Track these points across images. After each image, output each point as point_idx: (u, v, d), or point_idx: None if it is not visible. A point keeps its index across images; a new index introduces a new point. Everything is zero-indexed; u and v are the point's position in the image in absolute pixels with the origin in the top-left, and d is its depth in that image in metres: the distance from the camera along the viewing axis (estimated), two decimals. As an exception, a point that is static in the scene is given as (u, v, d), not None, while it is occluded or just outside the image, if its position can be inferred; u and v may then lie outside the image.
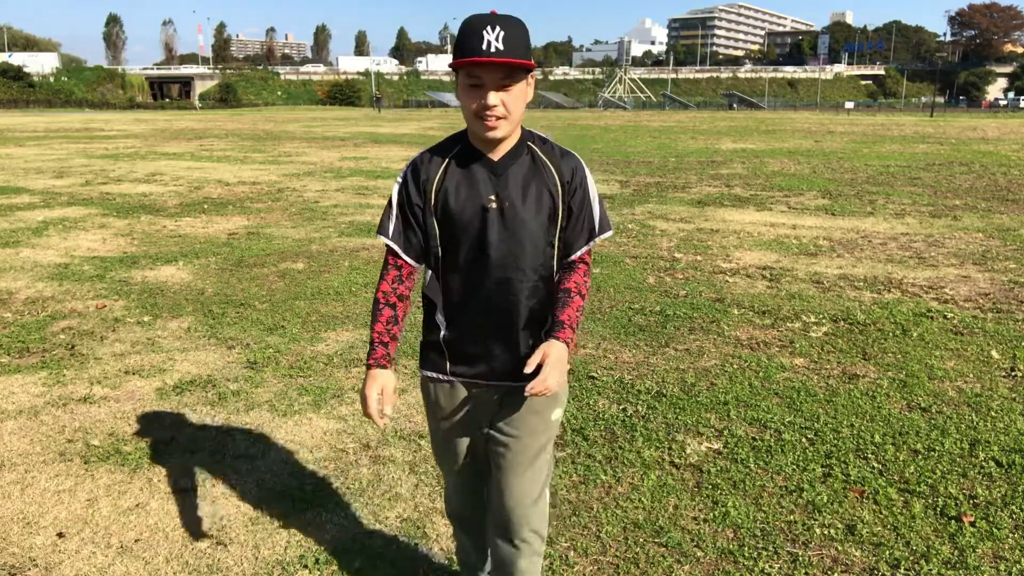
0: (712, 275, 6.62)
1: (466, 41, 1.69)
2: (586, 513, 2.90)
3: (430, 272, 1.94)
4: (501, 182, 1.83)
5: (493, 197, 1.83)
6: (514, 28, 1.70)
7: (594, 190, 1.94)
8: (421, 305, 2.00)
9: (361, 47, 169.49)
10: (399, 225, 1.89)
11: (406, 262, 1.91)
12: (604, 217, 1.97)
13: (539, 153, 1.88)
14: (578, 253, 1.93)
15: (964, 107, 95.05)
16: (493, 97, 1.71)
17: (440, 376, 1.99)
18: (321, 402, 3.93)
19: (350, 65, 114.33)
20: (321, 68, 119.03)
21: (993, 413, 3.79)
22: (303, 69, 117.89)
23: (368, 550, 2.67)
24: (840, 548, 2.68)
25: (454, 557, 2.56)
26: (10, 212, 10.19)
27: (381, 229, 1.92)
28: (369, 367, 1.88)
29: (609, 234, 1.98)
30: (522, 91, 1.76)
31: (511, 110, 1.74)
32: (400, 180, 1.91)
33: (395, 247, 1.90)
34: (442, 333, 1.95)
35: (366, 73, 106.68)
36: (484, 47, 1.66)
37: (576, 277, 1.93)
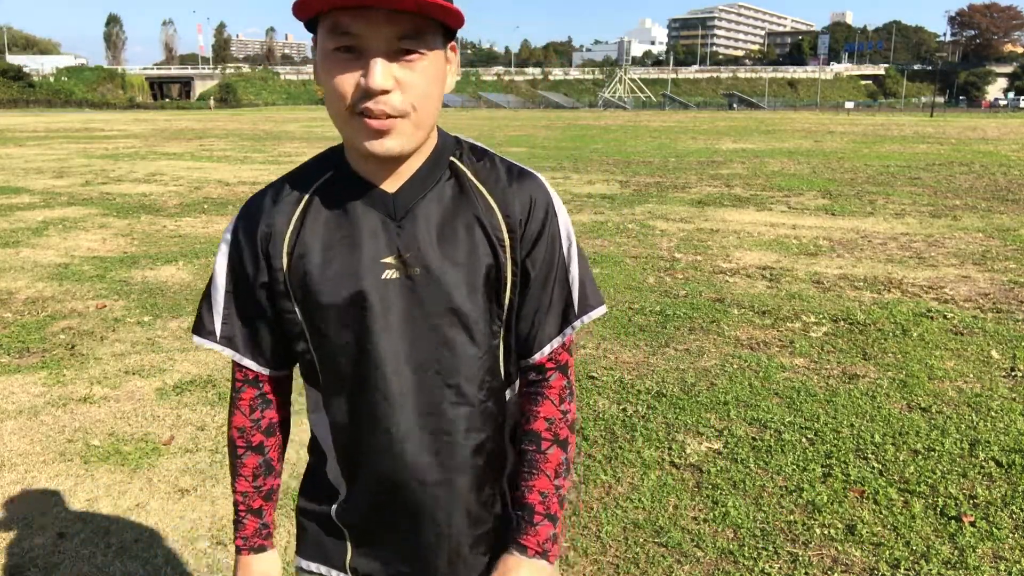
0: (712, 275, 6.62)
1: None
2: (586, 513, 2.90)
3: (312, 390, 1.19)
4: (404, 229, 1.07)
5: (391, 259, 1.07)
6: None
7: (570, 236, 1.16)
8: (308, 443, 1.26)
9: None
10: (233, 317, 1.17)
11: (260, 373, 1.21)
12: (588, 284, 1.17)
13: (469, 175, 1.11)
14: (545, 350, 1.15)
15: (964, 107, 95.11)
16: (383, 72, 0.95)
17: (331, 573, 1.23)
18: (321, 402, 3.93)
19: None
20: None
21: (993, 413, 3.79)
22: (306, 69, 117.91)
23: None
24: (840, 548, 2.68)
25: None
26: (10, 212, 10.19)
27: (198, 326, 1.19)
28: (239, 552, 1.24)
29: (599, 313, 1.18)
30: (436, 68, 1.01)
31: (417, 99, 0.99)
32: (225, 243, 1.14)
33: (231, 354, 1.19)
34: (335, 503, 1.20)
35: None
36: None
37: (546, 407, 1.17)
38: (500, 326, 1.13)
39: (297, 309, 1.11)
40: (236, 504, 1.27)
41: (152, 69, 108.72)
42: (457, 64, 1.09)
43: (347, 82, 0.97)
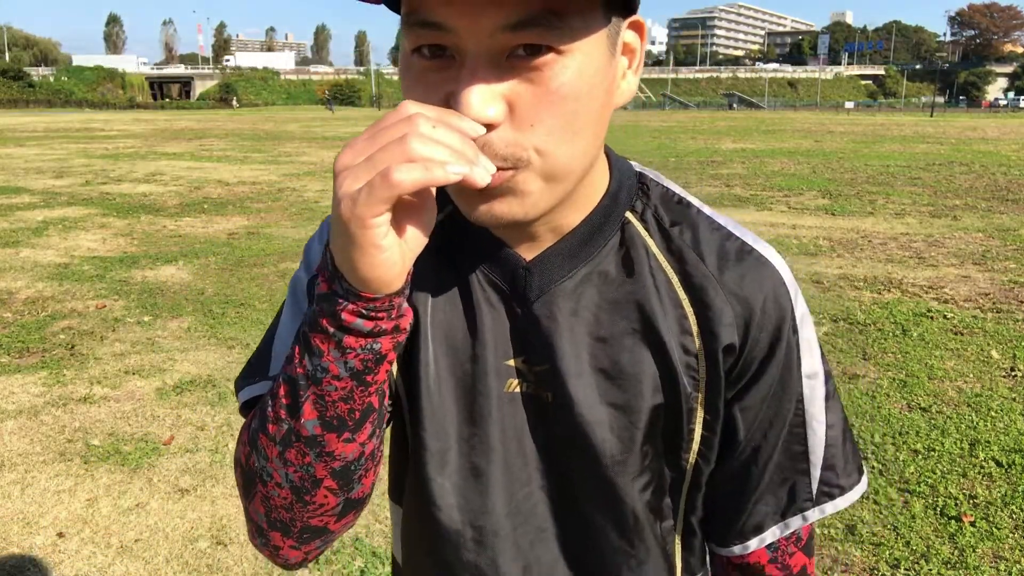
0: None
1: None
2: (586, 513, 2.90)
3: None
4: (538, 323, 0.70)
5: (513, 362, 0.71)
6: None
7: (817, 371, 0.73)
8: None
9: (361, 47, 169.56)
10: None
11: None
12: (840, 452, 0.75)
13: (652, 248, 0.71)
14: (751, 544, 0.75)
15: (964, 107, 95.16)
16: (481, 97, 0.55)
17: None
18: (321, 402, 3.93)
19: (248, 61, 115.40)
20: (322, 68, 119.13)
21: (993, 413, 3.79)
22: (305, 68, 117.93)
23: (368, 550, 2.67)
24: (840, 548, 2.68)
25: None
26: (10, 212, 10.19)
27: (247, 371, 0.75)
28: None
29: (853, 497, 0.76)
30: (594, 74, 0.59)
31: (543, 139, 0.58)
32: (314, 249, 0.75)
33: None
34: None
35: (367, 73, 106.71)
36: None
37: None
38: (676, 504, 0.75)
39: (400, 391, 0.75)
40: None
41: (152, 69, 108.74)
42: (640, 54, 0.65)
43: (430, 101, 0.57)
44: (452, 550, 0.74)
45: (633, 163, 0.75)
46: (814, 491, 0.74)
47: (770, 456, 0.72)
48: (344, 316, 0.56)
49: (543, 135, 0.58)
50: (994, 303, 5.75)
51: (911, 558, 2.62)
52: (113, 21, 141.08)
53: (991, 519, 2.84)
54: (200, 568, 2.59)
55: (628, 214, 0.71)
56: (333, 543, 0.67)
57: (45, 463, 3.30)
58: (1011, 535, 2.75)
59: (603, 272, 0.70)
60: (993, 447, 3.41)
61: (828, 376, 0.74)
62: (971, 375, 4.31)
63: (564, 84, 0.57)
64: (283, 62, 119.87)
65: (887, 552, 2.65)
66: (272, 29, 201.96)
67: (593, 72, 0.59)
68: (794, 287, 0.71)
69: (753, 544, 0.75)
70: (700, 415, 0.70)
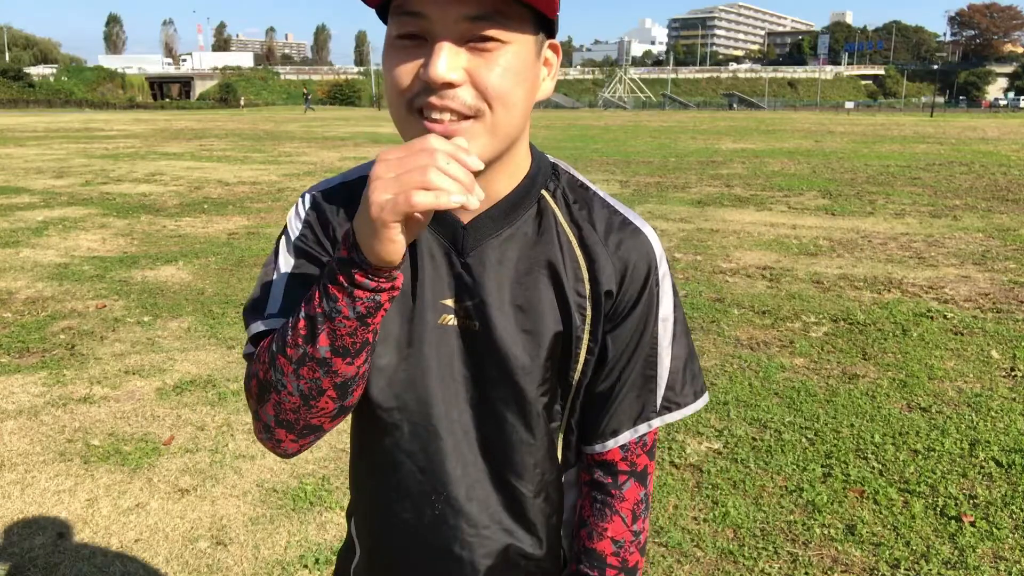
0: (712, 275, 6.62)
1: None
2: (586, 513, 2.90)
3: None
4: (471, 270, 0.91)
5: (450, 301, 0.91)
6: None
7: (672, 312, 0.97)
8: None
9: (361, 47, 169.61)
10: (295, 294, 0.91)
11: None
12: (684, 374, 0.99)
13: (559, 216, 0.94)
14: (609, 444, 0.98)
15: (964, 107, 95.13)
16: (448, 61, 0.77)
17: None
18: (321, 402, 3.93)
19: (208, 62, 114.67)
20: (325, 68, 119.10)
21: (993, 413, 3.79)
22: (305, 68, 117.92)
23: (368, 550, 2.67)
24: (840, 548, 2.68)
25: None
26: (10, 212, 10.19)
27: (261, 308, 0.93)
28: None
29: (692, 410, 1.00)
30: (523, 61, 0.82)
31: (492, 96, 0.80)
32: (297, 223, 0.95)
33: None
34: (356, 557, 1.07)
35: (367, 73, 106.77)
36: None
37: (615, 525, 0.99)
38: (564, 407, 0.97)
39: None
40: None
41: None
42: (556, 67, 0.89)
43: (406, 73, 0.80)
44: (392, 441, 0.95)
45: (548, 155, 0.98)
46: (658, 405, 0.98)
47: (629, 376, 0.96)
48: (357, 277, 0.77)
49: (492, 95, 0.80)
50: (994, 303, 5.75)
51: (911, 558, 2.62)
52: (113, 21, 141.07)
53: (991, 519, 2.84)
54: (200, 568, 2.59)
55: (543, 192, 0.94)
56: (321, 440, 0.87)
57: (45, 463, 3.30)
58: (1011, 535, 2.75)
59: (523, 233, 0.92)
60: (993, 447, 3.42)
61: (678, 320, 0.98)
62: (971, 375, 4.31)
63: (507, 63, 0.80)
64: (238, 61, 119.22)
65: (887, 552, 2.65)
66: (272, 29, 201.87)
67: (524, 61, 0.82)
68: (659, 251, 0.95)
69: (610, 444, 0.97)
70: (585, 342, 0.93)
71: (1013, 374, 4.32)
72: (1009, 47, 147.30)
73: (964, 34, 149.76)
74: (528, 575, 1.00)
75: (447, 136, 0.77)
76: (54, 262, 7.19)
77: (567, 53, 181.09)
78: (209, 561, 2.63)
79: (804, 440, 3.49)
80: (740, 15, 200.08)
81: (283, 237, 0.96)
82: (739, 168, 15.83)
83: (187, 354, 4.65)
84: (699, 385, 1.00)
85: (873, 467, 3.25)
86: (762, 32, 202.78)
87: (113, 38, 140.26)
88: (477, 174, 0.76)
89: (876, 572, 2.56)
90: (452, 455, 0.94)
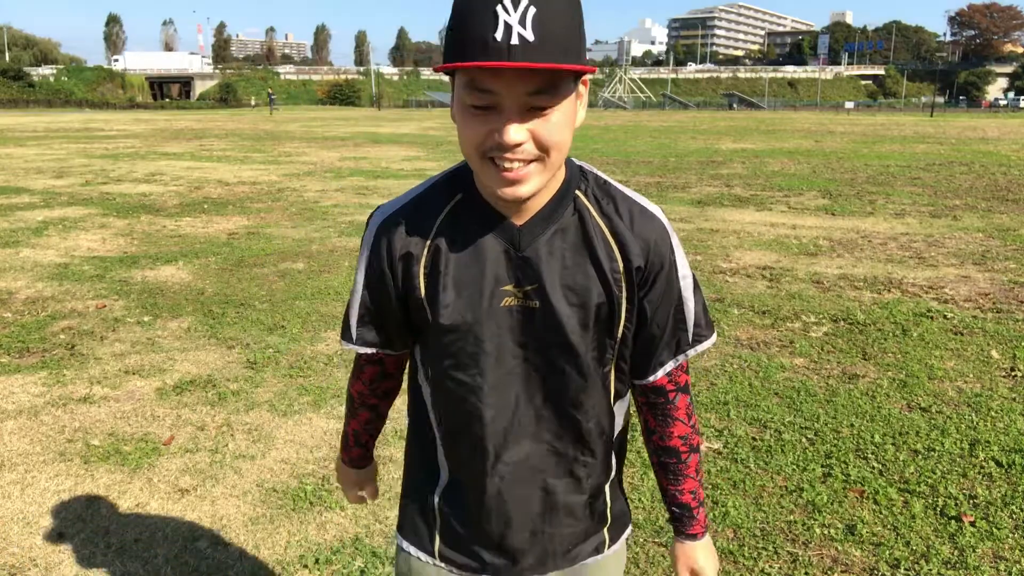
0: (712, 275, 6.62)
1: (467, 24, 0.97)
2: (586, 513, 2.90)
3: (424, 381, 1.27)
4: (527, 262, 1.14)
5: (511, 287, 1.14)
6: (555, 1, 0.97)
7: (687, 273, 1.23)
8: (408, 411, 1.36)
9: (361, 47, 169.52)
10: (368, 318, 1.24)
11: (387, 354, 1.30)
12: (702, 316, 1.26)
13: (592, 212, 1.16)
14: (658, 374, 1.25)
15: (964, 107, 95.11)
16: (516, 130, 1.00)
17: (423, 557, 1.31)
18: (321, 402, 3.93)
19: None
20: (320, 67, 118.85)
21: (993, 413, 3.79)
22: (305, 68, 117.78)
23: (368, 550, 2.67)
24: (840, 548, 2.68)
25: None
26: (10, 212, 10.19)
27: (347, 332, 1.27)
28: (343, 462, 1.52)
29: (711, 342, 1.27)
30: (568, 112, 1.04)
31: (549, 146, 1.03)
32: (366, 251, 1.21)
33: (367, 351, 1.28)
34: (437, 494, 1.29)
35: (366, 73, 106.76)
36: (499, 36, 0.94)
37: (678, 427, 1.28)
38: (612, 355, 1.22)
39: (430, 319, 1.18)
40: (347, 435, 1.47)
41: (152, 69, 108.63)
42: (586, 97, 1.11)
43: (480, 133, 1.02)
44: (475, 398, 1.19)
45: (574, 159, 1.19)
46: (690, 339, 1.24)
47: (666, 323, 1.21)
48: (345, 459, 1.51)
49: (549, 144, 1.03)
50: (994, 303, 5.75)
51: (911, 558, 2.62)
52: (113, 21, 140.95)
53: (991, 519, 2.84)
54: (200, 568, 2.59)
55: (577, 191, 1.17)
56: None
57: (45, 463, 3.30)
58: (1011, 535, 2.75)
59: (564, 228, 1.15)
60: (993, 447, 3.41)
61: (693, 276, 1.24)
62: (971, 375, 4.31)
63: (557, 119, 1.03)
64: (184, 63, 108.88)
65: (887, 552, 2.65)
66: (272, 29, 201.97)
67: (568, 113, 1.05)
68: (669, 227, 1.21)
69: (659, 374, 1.25)
70: (624, 306, 1.17)
71: (1013, 374, 4.32)
72: (1009, 47, 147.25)
73: (964, 34, 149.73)
74: (584, 478, 1.26)
75: (518, 179, 1.04)
76: (54, 262, 7.19)
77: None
78: (209, 561, 2.63)
79: (804, 440, 3.49)
80: (740, 15, 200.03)
81: (359, 262, 1.23)
82: (739, 168, 15.83)
83: (187, 354, 4.65)
84: (712, 325, 1.28)
85: (873, 467, 3.25)
86: (762, 32, 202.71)
87: (113, 38, 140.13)
88: (532, 195, 1.08)
89: (876, 572, 2.56)
90: (520, 404, 1.19)
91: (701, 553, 1.32)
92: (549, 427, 1.22)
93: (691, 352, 1.25)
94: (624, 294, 1.16)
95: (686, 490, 1.31)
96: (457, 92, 1.03)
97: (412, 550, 1.31)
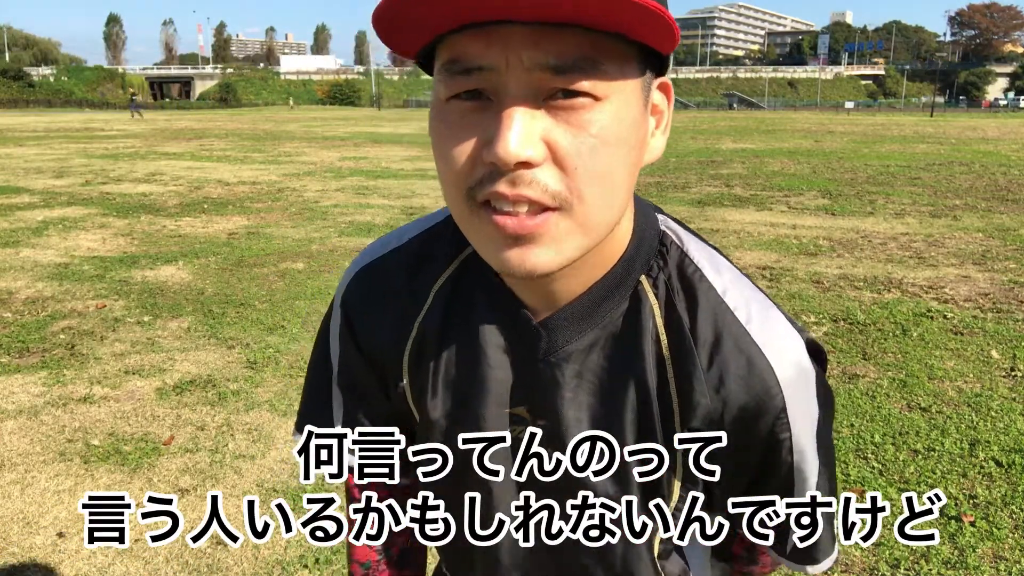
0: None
1: None
2: (586, 513, 2.90)
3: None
4: (544, 378, 0.73)
5: (521, 410, 0.75)
6: None
7: (810, 461, 0.75)
8: None
9: (361, 47, 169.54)
10: (344, 417, 0.86)
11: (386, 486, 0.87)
12: (823, 527, 0.79)
13: (656, 313, 0.71)
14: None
15: (964, 107, 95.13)
16: (520, 136, 0.55)
17: None
18: (321, 402, 3.93)
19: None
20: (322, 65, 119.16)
21: (993, 413, 3.79)
22: (305, 68, 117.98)
23: (368, 550, 2.67)
24: (840, 548, 2.68)
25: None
26: (10, 212, 10.19)
27: (300, 423, 0.90)
28: None
29: (821, 568, 0.82)
30: (630, 123, 0.59)
31: (582, 183, 0.58)
32: (337, 319, 0.84)
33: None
34: None
35: (367, 73, 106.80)
36: None
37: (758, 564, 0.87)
38: (663, 526, 0.76)
39: (417, 418, 0.82)
40: None
41: (152, 69, 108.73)
42: (668, 116, 0.65)
43: (462, 152, 0.58)
44: (453, 548, 0.82)
45: (660, 216, 0.74)
46: (792, 548, 0.78)
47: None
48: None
49: (584, 179, 0.57)
50: (994, 303, 5.75)
51: (911, 558, 2.62)
52: (113, 21, 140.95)
53: (991, 519, 2.84)
54: (200, 568, 2.59)
55: (642, 278, 0.70)
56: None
57: (45, 463, 3.30)
58: (1011, 535, 2.75)
59: (609, 337, 0.70)
60: (993, 447, 3.41)
61: (826, 464, 0.76)
62: (971, 375, 4.31)
63: (604, 129, 0.57)
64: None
65: (887, 552, 2.65)
66: (272, 29, 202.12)
67: (630, 121, 0.59)
68: (787, 377, 0.69)
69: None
70: (677, 484, 0.73)
71: (1013, 374, 4.32)
72: (1009, 47, 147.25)
73: (964, 34, 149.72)
74: None
75: (525, 235, 0.58)
76: (54, 262, 7.19)
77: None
78: (209, 561, 2.63)
79: (804, 440, 3.49)
80: (740, 15, 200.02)
81: (328, 328, 0.85)
82: (739, 168, 15.83)
83: (187, 354, 4.65)
84: (831, 543, 0.79)
85: (873, 467, 3.25)
86: (762, 32, 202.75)
87: (113, 38, 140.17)
88: (557, 269, 0.62)
89: (876, 572, 2.56)
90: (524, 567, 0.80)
91: None
92: None
93: (794, 567, 0.79)
94: (679, 462, 0.71)
95: None
96: (434, 92, 0.61)
97: None
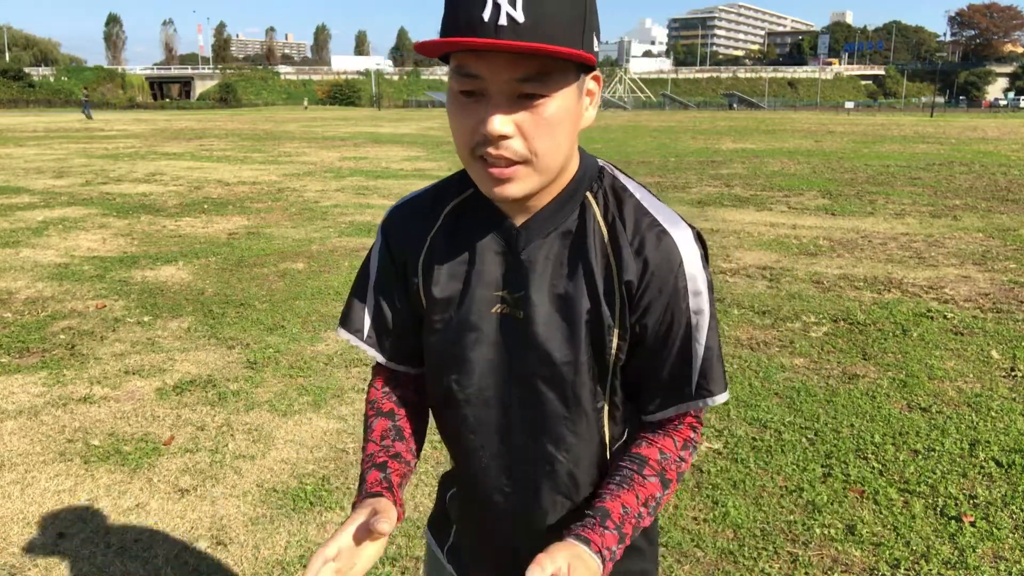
0: (712, 275, 6.62)
1: (458, 2, 0.90)
2: (586, 513, 2.90)
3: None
4: (521, 266, 1.05)
5: (503, 292, 1.06)
6: None
7: (700, 308, 1.04)
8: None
9: (361, 47, 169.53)
10: (381, 318, 1.16)
11: (395, 370, 1.20)
12: (712, 366, 1.06)
13: (597, 217, 1.05)
14: (660, 415, 1.08)
15: (964, 107, 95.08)
16: (501, 121, 0.91)
17: (437, 553, 1.33)
18: (321, 402, 3.93)
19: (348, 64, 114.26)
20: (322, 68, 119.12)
21: (993, 413, 3.79)
22: (305, 68, 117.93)
23: (368, 550, 2.67)
24: (840, 548, 2.68)
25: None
26: (10, 212, 10.19)
27: (346, 320, 1.19)
28: (354, 507, 1.04)
29: (718, 401, 1.07)
30: (566, 108, 0.94)
31: (537, 146, 0.93)
32: (378, 244, 1.17)
33: (375, 355, 1.18)
34: (448, 495, 1.29)
35: (366, 73, 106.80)
36: (487, 15, 0.87)
37: (667, 442, 1.08)
38: (604, 387, 1.07)
39: (424, 315, 1.13)
40: (362, 463, 1.11)
41: (152, 69, 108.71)
42: (599, 94, 1.00)
43: (467, 126, 0.94)
44: (452, 412, 1.12)
45: (600, 160, 1.10)
46: (692, 391, 1.07)
47: (666, 362, 1.05)
48: (363, 491, 1.05)
49: (538, 144, 0.94)
50: (994, 303, 5.75)
51: (911, 558, 2.62)
52: (113, 21, 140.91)
53: (991, 519, 2.84)
54: (200, 568, 2.59)
55: (587, 193, 1.06)
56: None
57: (45, 463, 3.30)
58: (1011, 535, 2.75)
59: (566, 231, 1.05)
60: (993, 447, 3.41)
61: (711, 317, 1.05)
62: (971, 375, 4.31)
63: (551, 115, 0.93)
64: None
65: (887, 552, 2.65)
66: (272, 29, 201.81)
67: (567, 108, 0.94)
68: (688, 253, 1.03)
69: (657, 416, 1.09)
70: (616, 328, 1.04)
71: (1013, 374, 4.32)
72: (1009, 47, 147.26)
73: (964, 34, 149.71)
74: (574, 512, 1.11)
75: (504, 178, 0.95)
76: (54, 262, 7.19)
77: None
78: (209, 561, 2.63)
79: (804, 440, 3.49)
80: (740, 15, 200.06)
81: (371, 253, 1.19)
82: (739, 168, 15.82)
83: (187, 354, 4.65)
84: (722, 381, 1.08)
85: (873, 467, 3.25)
86: (762, 32, 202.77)
87: (113, 38, 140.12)
88: (521, 200, 1.00)
89: (876, 572, 2.56)
90: (499, 423, 1.10)
91: (575, 558, 0.91)
92: (526, 468, 1.10)
93: (692, 406, 1.06)
94: (617, 314, 1.02)
95: (620, 499, 1.01)
96: (449, 81, 0.96)
97: (432, 542, 1.34)
